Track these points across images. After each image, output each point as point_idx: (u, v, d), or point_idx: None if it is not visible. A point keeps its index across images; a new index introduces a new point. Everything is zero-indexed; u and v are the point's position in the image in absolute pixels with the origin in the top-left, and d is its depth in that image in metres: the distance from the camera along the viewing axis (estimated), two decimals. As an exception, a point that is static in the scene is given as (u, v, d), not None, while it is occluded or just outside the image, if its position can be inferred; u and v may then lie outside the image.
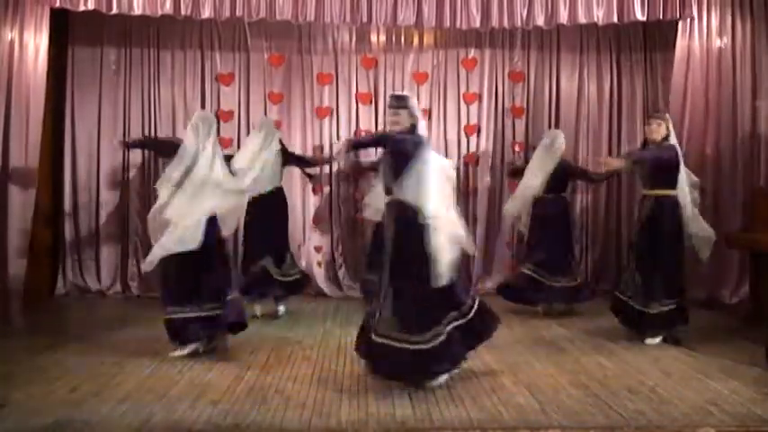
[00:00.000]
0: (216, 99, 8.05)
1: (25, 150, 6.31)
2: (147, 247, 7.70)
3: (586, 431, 3.79)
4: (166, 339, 5.64)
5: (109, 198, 7.87)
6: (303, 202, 8.03)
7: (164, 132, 7.92)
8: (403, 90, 8.15)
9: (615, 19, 6.75)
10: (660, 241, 5.50)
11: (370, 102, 8.17)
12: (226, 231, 5.41)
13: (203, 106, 7.98)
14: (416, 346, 4.33)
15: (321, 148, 7.87)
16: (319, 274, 7.98)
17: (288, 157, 6.92)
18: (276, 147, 6.68)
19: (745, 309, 6.48)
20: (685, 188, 5.67)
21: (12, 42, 6.24)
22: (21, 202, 6.33)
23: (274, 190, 6.66)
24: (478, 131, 8.19)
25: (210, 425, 3.83)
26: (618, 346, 5.49)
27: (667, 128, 5.57)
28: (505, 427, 3.83)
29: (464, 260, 8.00)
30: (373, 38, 8.18)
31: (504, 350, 5.38)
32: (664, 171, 5.55)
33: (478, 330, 4.58)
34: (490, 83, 8.22)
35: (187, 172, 5.06)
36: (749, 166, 6.89)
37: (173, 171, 5.08)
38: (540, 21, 6.81)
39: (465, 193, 8.12)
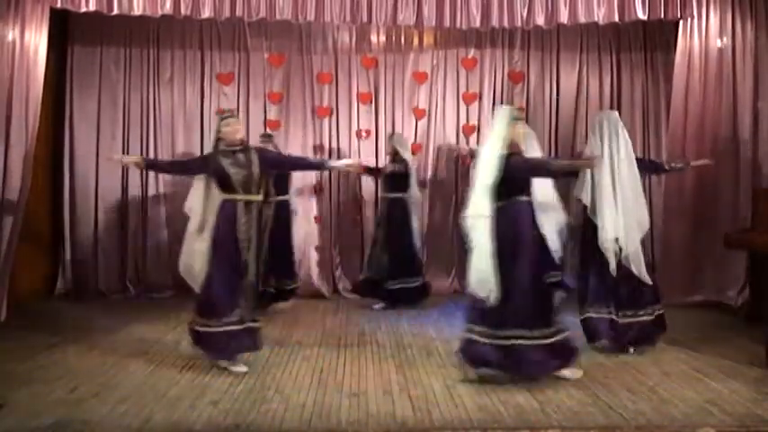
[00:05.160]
0: (216, 99, 8.04)
1: (24, 149, 6.30)
2: (147, 247, 7.85)
3: (586, 431, 3.80)
4: (166, 339, 5.68)
5: (109, 198, 7.86)
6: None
7: (163, 132, 7.93)
8: (403, 90, 8.18)
9: (616, 18, 6.73)
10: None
11: (370, 102, 8.17)
12: None
13: (203, 106, 8.00)
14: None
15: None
16: (317, 274, 7.98)
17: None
18: None
19: (746, 309, 6.47)
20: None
21: (13, 42, 6.24)
22: (17, 194, 6.29)
23: None
24: (477, 131, 8.19)
25: (210, 425, 3.84)
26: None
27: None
28: (505, 427, 3.83)
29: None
30: (373, 38, 8.18)
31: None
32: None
33: None
34: (490, 83, 8.22)
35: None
36: (750, 167, 6.89)
37: None
38: (540, 20, 6.80)
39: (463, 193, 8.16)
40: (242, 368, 4.80)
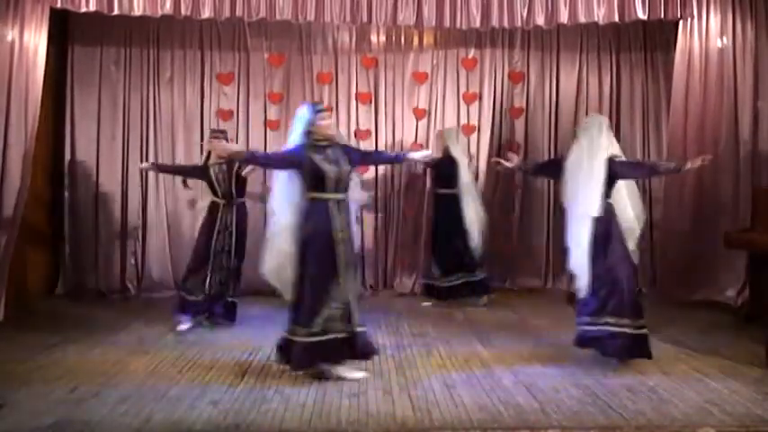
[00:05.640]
0: (216, 99, 8.04)
1: (23, 148, 6.31)
2: (147, 247, 7.85)
3: (586, 431, 3.80)
4: (166, 339, 5.67)
5: (108, 198, 7.86)
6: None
7: (163, 132, 7.92)
8: (403, 90, 8.18)
9: (616, 18, 6.73)
10: None
11: (370, 101, 8.16)
12: None
13: (203, 106, 7.99)
14: None
15: None
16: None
17: None
18: None
19: (746, 308, 6.48)
20: None
21: (12, 42, 6.25)
22: (15, 194, 6.30)
23: None
24: (478, 131, 8.18)
25: (210, 425, 3.84)
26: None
27: None
28: (505, 427, 3.83)
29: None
30: (373, 38, 8.17)
31: (504, 350, 5.39)
32: None
33: None
34: (490, 83, 8.21)
35: None
36: (749, 167, 6.89)
37: None
38: (540, 20, 6.80)
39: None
40: (360, 374, 4.70)
